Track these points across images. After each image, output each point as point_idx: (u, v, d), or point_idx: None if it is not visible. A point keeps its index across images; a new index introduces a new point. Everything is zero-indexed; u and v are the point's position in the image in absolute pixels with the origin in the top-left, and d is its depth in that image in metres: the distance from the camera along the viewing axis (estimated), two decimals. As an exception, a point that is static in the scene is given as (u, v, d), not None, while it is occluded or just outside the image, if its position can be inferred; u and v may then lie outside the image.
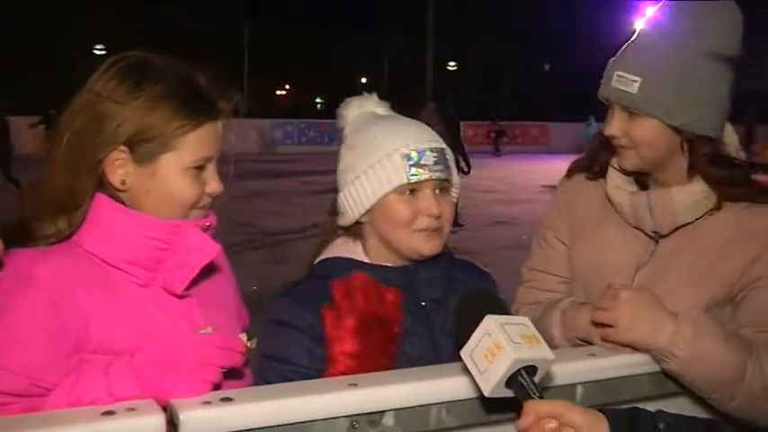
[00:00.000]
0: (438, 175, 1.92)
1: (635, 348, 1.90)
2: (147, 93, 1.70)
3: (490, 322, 1.51)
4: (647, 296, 1.92)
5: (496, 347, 1.48)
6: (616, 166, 2.19)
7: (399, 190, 1.91)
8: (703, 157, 2.05)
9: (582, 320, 2.05)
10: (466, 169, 13.00)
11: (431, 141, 1.95)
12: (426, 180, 1.91)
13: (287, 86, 65.70)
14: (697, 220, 2.08)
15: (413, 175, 1.90)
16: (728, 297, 2.06)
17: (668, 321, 1.87)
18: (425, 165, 1.90)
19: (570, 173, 2.40)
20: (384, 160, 1.91)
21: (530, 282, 2.39)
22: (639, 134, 2.04)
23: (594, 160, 2.30)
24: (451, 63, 53.74)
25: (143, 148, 1.70)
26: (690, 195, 2.06)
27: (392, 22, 49.62)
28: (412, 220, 1.92)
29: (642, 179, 2.19)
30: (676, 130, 2.02)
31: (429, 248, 1.94)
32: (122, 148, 1.70)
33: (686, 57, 1.99)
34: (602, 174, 2.26)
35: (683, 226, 2.09)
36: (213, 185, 1.79)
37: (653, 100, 1.99)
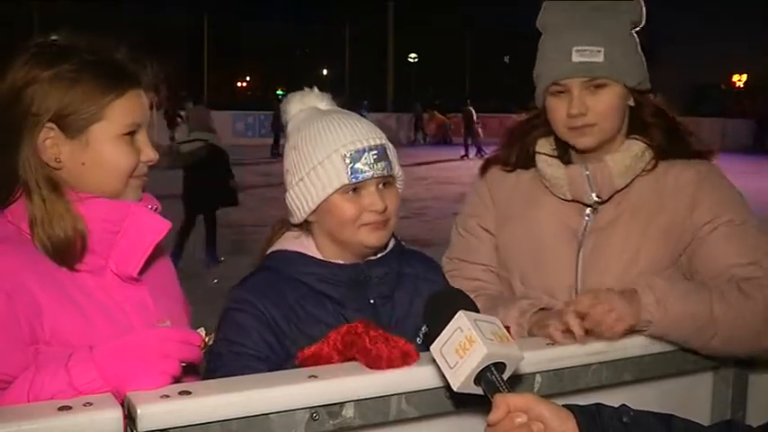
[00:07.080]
0: (380, 172, 1.93)
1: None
2: (63, 69, 1.71)
3: (463, 317, 1.51)
4: (606, 290, 1.98)
5: (468, 342, 1.47)
6: (541, 149, 2.29)
7: (342, 190, 1.92)
8: (649, 110, 2.24)
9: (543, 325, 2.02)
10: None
11: (370, 138, 1.95)
12: (368, 178, 1.92)
13: (248, 78, 65.32)
14: (628, 185, 2.19)
15: (354, 175, 1.91)
16: (674, 254, 2.16)
17: (633, 297, 1.95)
18: (366, 163, 1.91)
19: (486, 167, 2.46)
20: (325, 162, 1.92)
21: (451, 271, 2.39)
22: (605, 103, 2.14)
23: (510, 152, 2.38)
24: (412, 54, 53.80)
25: (70, 121, 1.71)
26: (622, 160, 2.18)
27: (353, 12, 49.45)
28: (357, 217, 1.93)
29: (566, 158, 2.27)
30: (631, 91, 2.18)
31: (376, 239, 1.96)
32: (50, 125, 1.70)
33: (626, 27, 2.20)
34: (519, 164, 2.36)
35: (617, 192, 2.19)
36: (148, 153, 1.82)
37: (617, 65, 2.13)
